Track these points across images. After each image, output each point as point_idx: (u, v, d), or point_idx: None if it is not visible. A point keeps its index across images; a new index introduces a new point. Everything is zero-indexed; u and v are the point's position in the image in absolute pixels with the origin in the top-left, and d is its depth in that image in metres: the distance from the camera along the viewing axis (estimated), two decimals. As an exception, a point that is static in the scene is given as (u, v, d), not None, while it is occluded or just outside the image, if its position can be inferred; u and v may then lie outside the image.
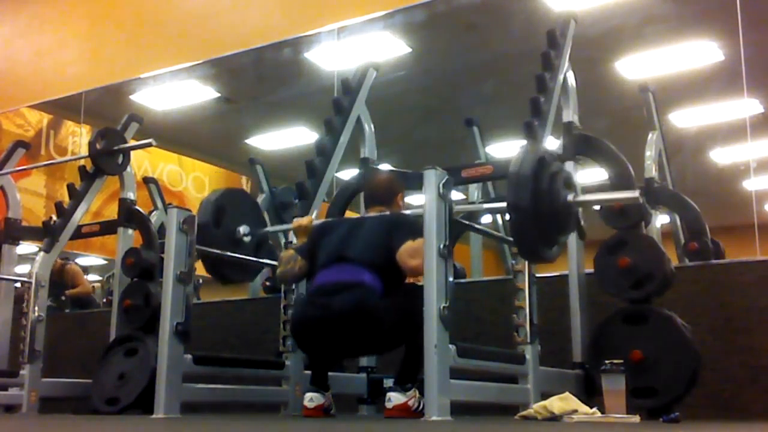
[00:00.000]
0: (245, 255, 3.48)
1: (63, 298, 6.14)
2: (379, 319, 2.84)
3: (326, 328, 2.88)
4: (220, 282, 3.54)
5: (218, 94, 6.78)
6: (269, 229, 3.59)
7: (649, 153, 4.05)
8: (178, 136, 7.08)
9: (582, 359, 3.14)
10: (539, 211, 2.53)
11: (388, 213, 3.12)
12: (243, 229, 3.45)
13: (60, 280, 6.03)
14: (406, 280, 3.00)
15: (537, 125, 2.99)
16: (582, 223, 3.26)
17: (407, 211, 3.18)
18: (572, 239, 3.27)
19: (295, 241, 3.36)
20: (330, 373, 3.09)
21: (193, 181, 7.50)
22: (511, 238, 2.87)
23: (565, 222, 2.70)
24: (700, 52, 5.07)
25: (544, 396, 2.66)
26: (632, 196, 2.76)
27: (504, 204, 2.62)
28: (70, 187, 4.25)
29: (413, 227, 2.92)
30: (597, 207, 3.30)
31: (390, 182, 3.27)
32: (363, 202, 3.30)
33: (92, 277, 7.40)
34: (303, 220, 3.26)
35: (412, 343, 2.84)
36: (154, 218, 5.00)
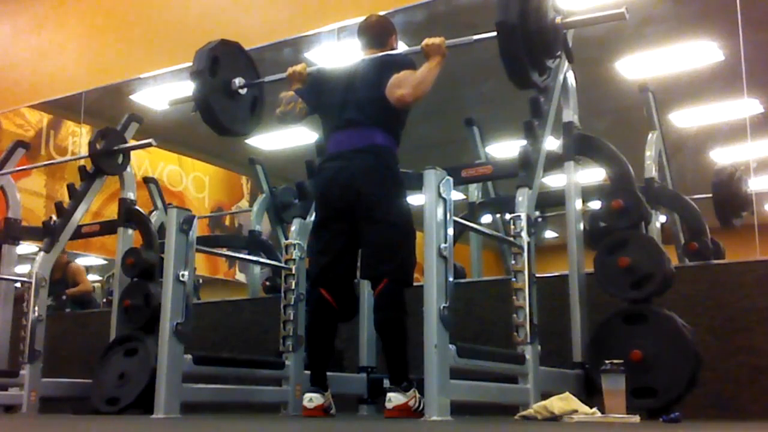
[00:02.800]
0: (241, 108, 3.43)
1: (64, 297, 6.15)
2: (393, 174, 3.03)
3: (346, 176, 3.00)
4: (217, 133, 3.41)
5: (218, 94, 6.77)
6: (263, 79, 3.50)
7: (649, 153, 4.05)
8: (178, 136, 7.07)
9: (582, 359, 3.14)
10: (527, 30, 2.57)
11: (378, 55, 3.14)
12: (238, 80, 3.39)
13: (62, 277, 6.03)
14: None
15: (537, 125, 3.00)
16: (569, 45, 3.24)
17: (396, 51, 3.21)
18: (572, 239, 3.27)
19: (294, 243, 3.38)
20: (330, 373, 3.09)
21: (193, 181, 7.50)
22: (511, 238, 2.88)
23: (552, 43, 2.73)
24: (700, 52, 5.06)
25: (544, 396, 2.65)
26: (618, 12, 2.76)
27: (494, 33, 2.64)
28: (70, 187, 4.25)
29: (399, 63, 3.04)
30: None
31: (381, 23, 3.30)
32: (360, 46, 3.28)
33: (92, 277, 7.40)
34: (296, 66, 3.29)
35: (388, 336, 2.89)
36: (154, 218, 5.00)
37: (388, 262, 2.94)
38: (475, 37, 2.90)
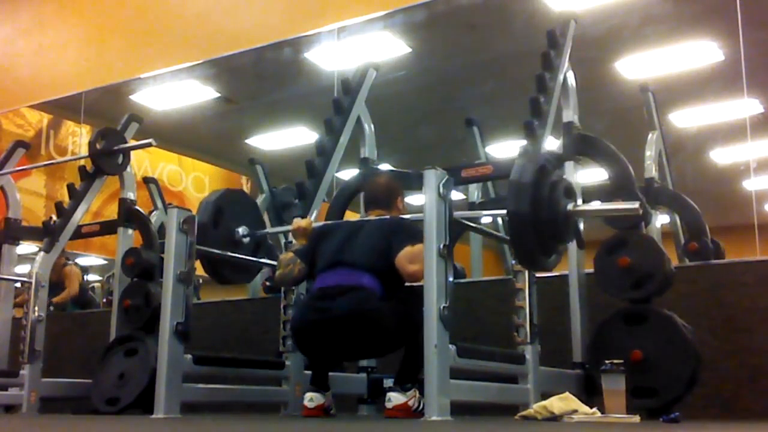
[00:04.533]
0: (244, 255, 3.48)
1: (51, 307, 6.12)
2: (380, 321, 2.85)
3: (326, 331, 2.89)
4: (218, 282, 3.53)
5: (218, 94, 6.78)
6: (268, 230, 3.59)
7: (649, 153, 4.05)
8: (178, 136, 7.08)
9: (582, 359, 3.14)
10: (538, 219, 2.55)
11: (387, 217, 3.11)
12: (242, 230, 3.44)
13: (57, 280, 6.01)
14: (406, 284, 3.00)
15: (537, 126, 3.00)
16: (581, 231, 3.26)
17: (407, 216, 3.17)
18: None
19: (294, 242, 3.37)
20: (330, 373, 3.09)
21: (193, 181, 7.50)
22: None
23: (564, 230, 2.72)
24: (700, 52, 5.07)
25: (544, 396, 2.66)
26: (632, 208, 2.77)
27: (504, 211, 2.63)
28: (70, 187, 4.25)
29: (412, 232, 2.93)
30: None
31: (389, 185, 3.26)
32: (362, 205, 3.30)
33: (92, 277, 7.41)
34: (302, 222, 3.25)
35: (412, 343, 2.84)
36: (154, 218, 5.00)
37: (406, 337, 2.87)
38: (484, 213, 2.89)
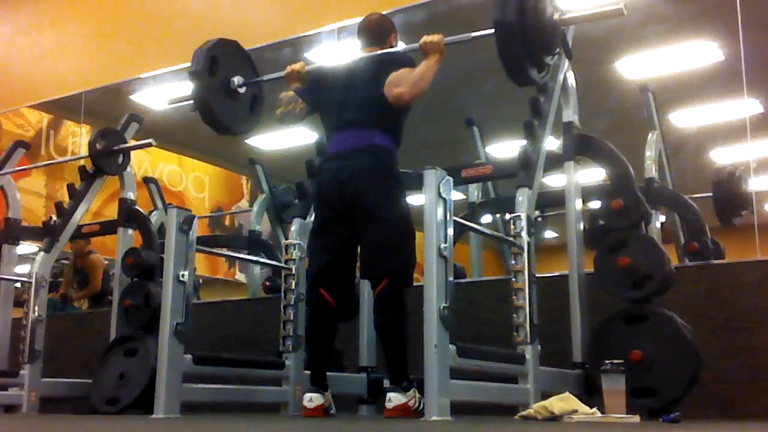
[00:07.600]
0: (240, 107, 3.41)
1: (72, 299, 6.12)
2: (389, 170, 3.03)
3: (344, 175, 2.99)
4: (216, 131, 3.40)
5: (218, 94, 6.76)
6: (263, 78, 3.48)
7: (649, 153, 4.05)
8: (178, 136, 7.07)
9: (582, 359, 3.14)
10: (525, 27, 2.57)
11: (377, 53, 3.13)
12: (237, 79, 3.37)
13: (82, 267, 5.99)
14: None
15: (537, 125, 2.99)
16: (569, 43, 3.24)
17: (396, 48, 3.20)
18: (572, 239, 3.28)
19: (294, 243, 3.39)
20: (330, 373, 3.10)
21: (193, 181, 7.50)
22: (511, 238, 2.88)
23: (551, 40, 2.73)
24: (700, 52, 5.06)
25: (544, 396, 2.66)
26: (615, 8, 2.73)
27: (492, 30, 2.65)
28: (70, 187, 4.25)
29: (398, 61, 3.04)
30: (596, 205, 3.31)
31: (381, 22, 3.30)
32: (359, 44, 3.29)
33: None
34: (296, 66, 3.28)
35: (388, 338, 2.90)
36: (154, 218, 5.00)
37: (387, 262, 2.94)
38: (474, 34, 2.90)
